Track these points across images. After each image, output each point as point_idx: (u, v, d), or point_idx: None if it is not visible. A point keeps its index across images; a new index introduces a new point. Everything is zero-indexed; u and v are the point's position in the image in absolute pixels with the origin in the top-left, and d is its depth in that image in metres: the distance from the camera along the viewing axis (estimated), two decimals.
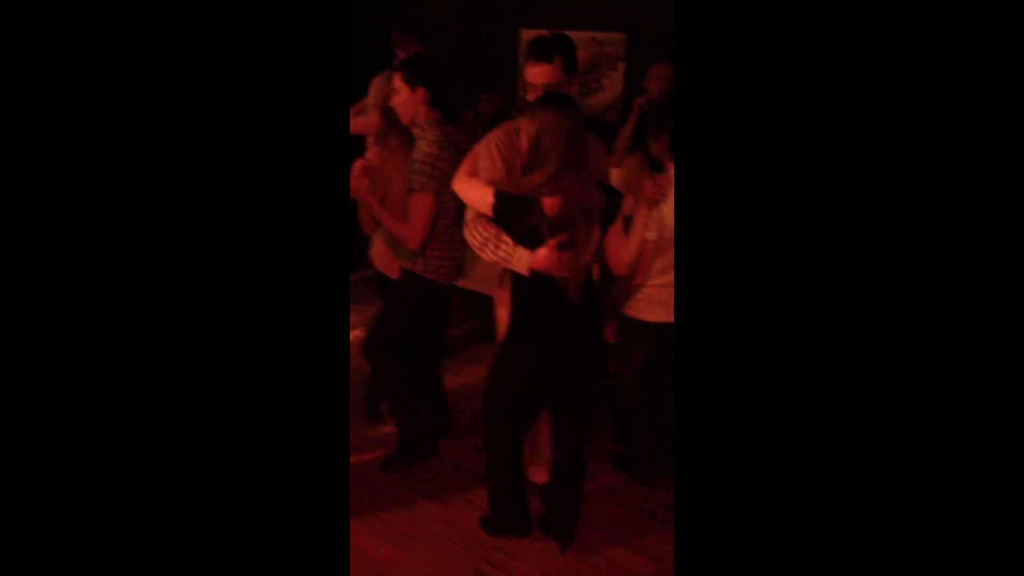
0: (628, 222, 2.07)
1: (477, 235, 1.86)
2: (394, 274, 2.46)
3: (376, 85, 3.14)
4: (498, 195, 1.77)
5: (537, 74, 1.90)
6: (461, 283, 2.51)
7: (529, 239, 1.78)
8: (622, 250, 1.95)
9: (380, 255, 2.56)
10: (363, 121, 3.03)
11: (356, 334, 2.91)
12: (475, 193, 1.83)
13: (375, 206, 2.26)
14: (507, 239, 1.81)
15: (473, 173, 1.91)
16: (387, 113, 2.35)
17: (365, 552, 2.15)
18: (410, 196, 2.19)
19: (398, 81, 2.20)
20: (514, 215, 1.77)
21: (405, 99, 2.20)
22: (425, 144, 2.19)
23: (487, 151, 1.95)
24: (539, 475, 2.41)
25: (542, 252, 1.75)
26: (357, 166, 2.33)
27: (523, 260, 1.79)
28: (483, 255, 1.86)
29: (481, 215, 1.85)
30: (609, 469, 2.60)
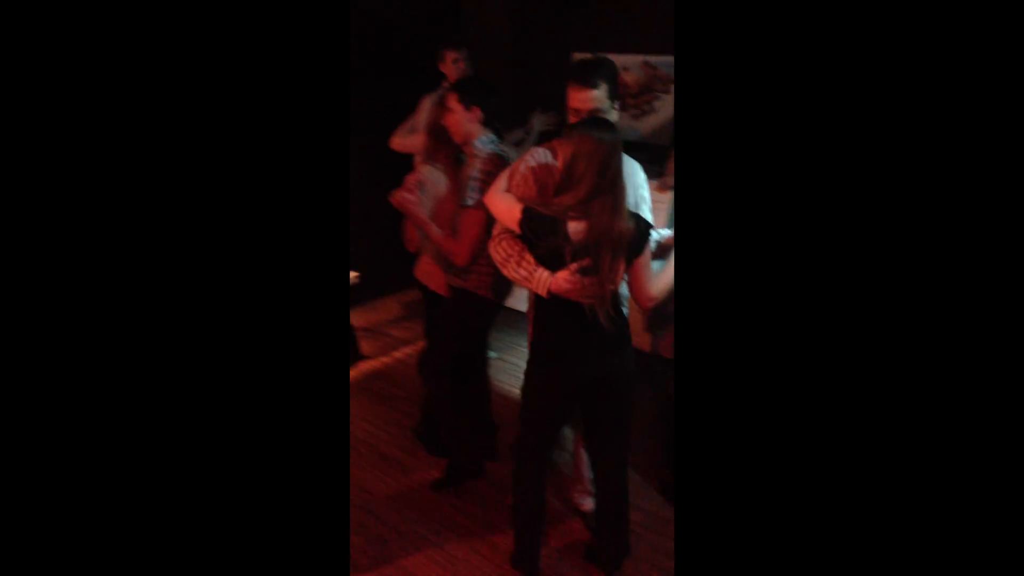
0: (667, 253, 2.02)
1: (501, 250, 1.85)
2: (443, 291, 2.48)
3: (426, 105, 3.21)
4: (526, 212, 1.77)
5: (581, 99, 1.89)
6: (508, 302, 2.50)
7: (552, 261, 1.76)
8: (647, 284, 1.87)
9: (427, 272, 2.58)
10: (412, 140, 3.10)
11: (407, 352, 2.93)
12: (504, 207, 1.83)
13: (425, 222, 2.28)
14: (530, 258, 1.80)
15: (507, 189, 1.91)
16: (438, 131, 2.39)
17: (414, 574, 2.14)
18: (462, 212, 2.21)
19: (452, 101, 2.24)
20: (540, 235, 1.75)
21: (459, 118, 2.23)
22: (479, 161, 2.21)
23: (522, 168, 1.95)
24: (585, 504, 2.36)
25: (562, 275, 1.73)
26: (409, 181, 2.36)
27: (542, 281, 1.76)
28: (505, 271, 1.86)
29: (508, 231, 1.85)
30: (660, 499, 2.52)
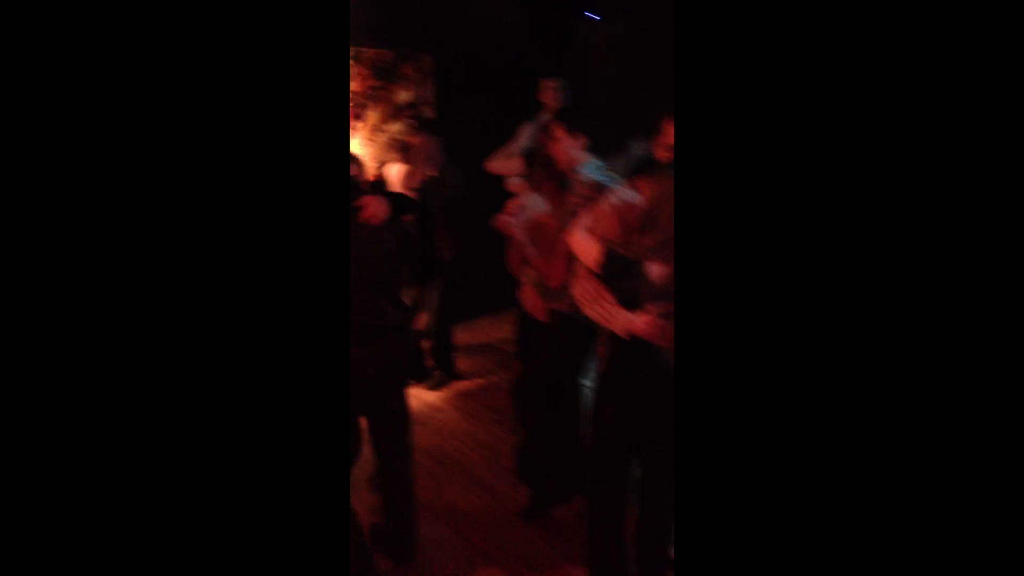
0: None
1: (582, 289, 1.84)
2: (542, 316, 2.49)
3: (525, 131, 3.32)
4: (606, 253, 1.74)
5: None
6: None
7: (632, 302, 1.71)
8: None
9: (528, 296, 2.61)
10: (508, 163, 3.24)
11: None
12: (585, 246, 1.82)
13: (525, 243, 2.32)
14: (609, 297, 1.76)
15: (590, 226, 1.89)
16: (543, 160, 2.43)
17: None
18: (562, 235, 2.23)
19: (558, 129, 2.27)
20: (619, 276, 1.72)
21: (564, 145, 2.26)
22: (582, 188, 2.22)
23: (604, 206, 1.93)
24: (671, 551, 2.26)
25: (643, 318, 1.69)
26: (512, 206, 2.42)
27: (622, 322, 1.73)
28: (585, 311, 1.84)
29: (589, 269, 1.83)
30: None
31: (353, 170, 2.26)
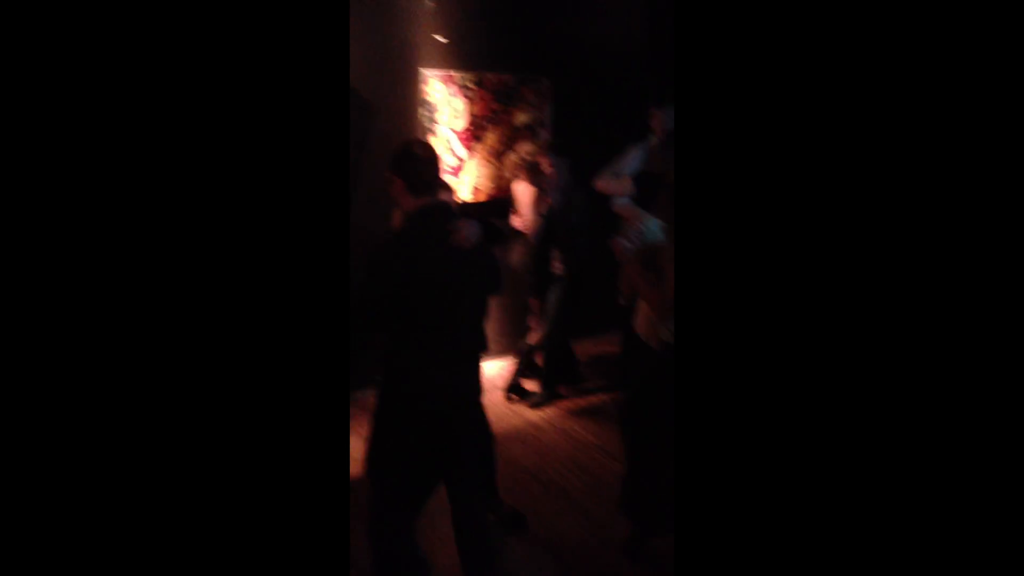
0: None
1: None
2: (654, 344, 2.44)
3: (633, 153, 3.32)
4: None
5: None
6: None
7: None
8: None
9: (643, 323, 2.57)
10: (617, 184, 3.26)
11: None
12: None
13: (637, 269, 2.29)
14: None
15: None
16: (664, 184, 2.40)
17: None
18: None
19: None
20: None
21: None
22: None
23: None
24: None
25: None
26: (632, 230, 2.40)
27: None
28: None
29: None
30: None
31: (444, 195, 2.28)
